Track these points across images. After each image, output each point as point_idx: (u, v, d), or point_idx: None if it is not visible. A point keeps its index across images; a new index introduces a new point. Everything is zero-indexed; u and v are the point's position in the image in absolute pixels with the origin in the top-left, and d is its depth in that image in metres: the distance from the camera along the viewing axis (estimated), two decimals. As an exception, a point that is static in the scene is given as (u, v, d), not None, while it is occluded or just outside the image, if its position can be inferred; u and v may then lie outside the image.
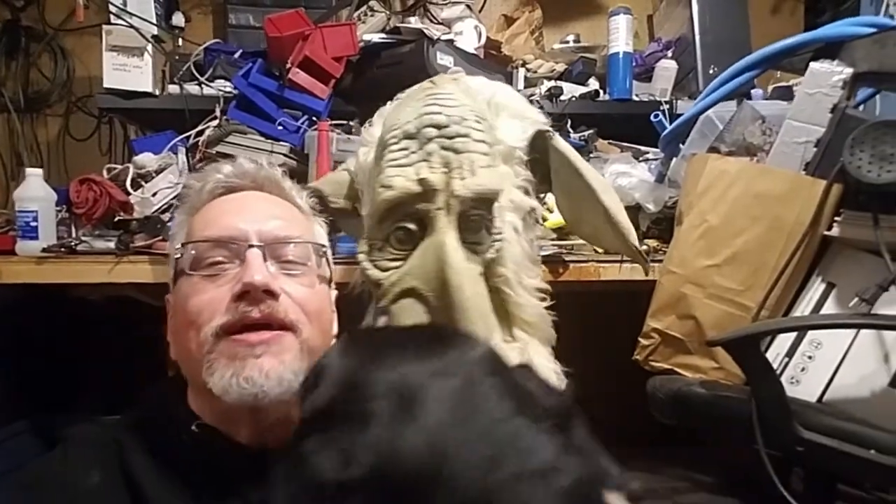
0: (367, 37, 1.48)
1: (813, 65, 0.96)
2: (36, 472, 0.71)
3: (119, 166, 1.42)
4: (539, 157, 0.88)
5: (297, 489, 0.40)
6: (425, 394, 0.40)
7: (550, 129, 0.86)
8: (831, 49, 0.98)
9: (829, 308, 0.98)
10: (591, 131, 1.49)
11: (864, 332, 0.92)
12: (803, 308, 0.99)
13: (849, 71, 0.93)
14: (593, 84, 1.73)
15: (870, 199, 0.89)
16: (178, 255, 0.73)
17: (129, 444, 0.70)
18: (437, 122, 0.79)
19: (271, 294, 0.68)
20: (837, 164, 0.91)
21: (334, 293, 0.83)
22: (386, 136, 0.83)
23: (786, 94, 1.48)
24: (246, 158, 0.83)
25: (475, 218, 0.80)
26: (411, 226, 0.81)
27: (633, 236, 0.86)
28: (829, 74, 0.95)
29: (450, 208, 0.78)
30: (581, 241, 1.30)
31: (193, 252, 0.72)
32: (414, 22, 1.50)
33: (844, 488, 1.05)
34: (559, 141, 0.84)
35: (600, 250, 1.28)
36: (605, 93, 1.69)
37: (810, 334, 0.97)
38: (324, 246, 0.78)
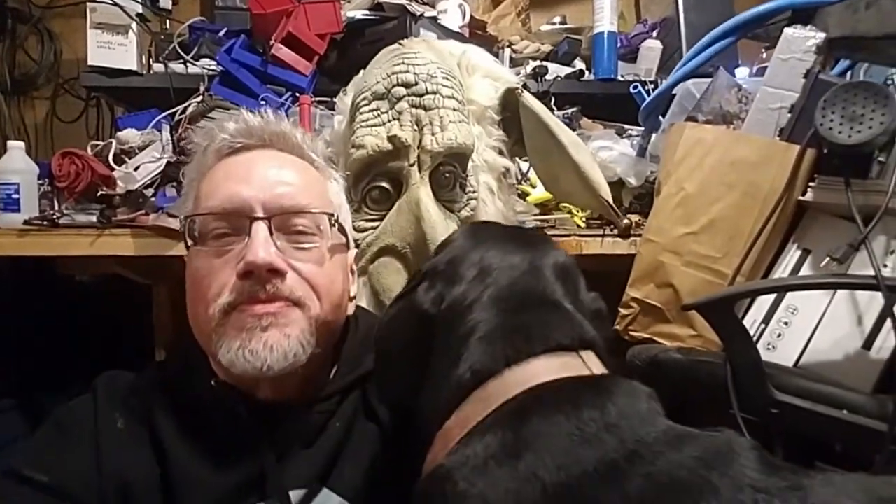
0: (350, 13, 1.48)
1: (787, 30, 0.96)
2: (69, 412, 0.73)
3: (103, 143, 1.42)
4: (511, 117, 0.88)
5: (406, 312, 0.63)
6: (497, 269, 0.62)
7: (520, 86, 0.86)
8: (805, 16, 0.99)
9: (805, 273, 0.98)
10: (574, 109, 1.49)
11: (838, 295, 0.92)
12: (779, 274, 0.99)
13: (822, 36, 0.94)
14: (579, 65, 1.73)
15: (842, 163, 0.89)
16: (184, 227, 0.71)
17: (153, 394, 0.73)
18: (405, 81, 0.80)
19: (277, 272, 0.67)
20: (811, 128, 0.91)
21: (353, 252, 0.81)
22: (357, 99, 0.84)
23: (770, 73, 1.48)
24: (252, 111, 0.77)
25: (448, 175, 0.81)
26: (385, 185, 0.82)
27: (604, 190, 0.86)
28: (802, 40, 0.95)
29: (422, 164, 0.78)
30: (563, 216, 1.31)
31: (198, 224, 0.70)
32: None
33: (822, 465, 1.06)
34: (529, 98, 0.85)
35: (583, 225, 1.29)
36: (590, 73, 1.69)
37: (786, 300, 0.97)
38: (332, 215, 0.74)
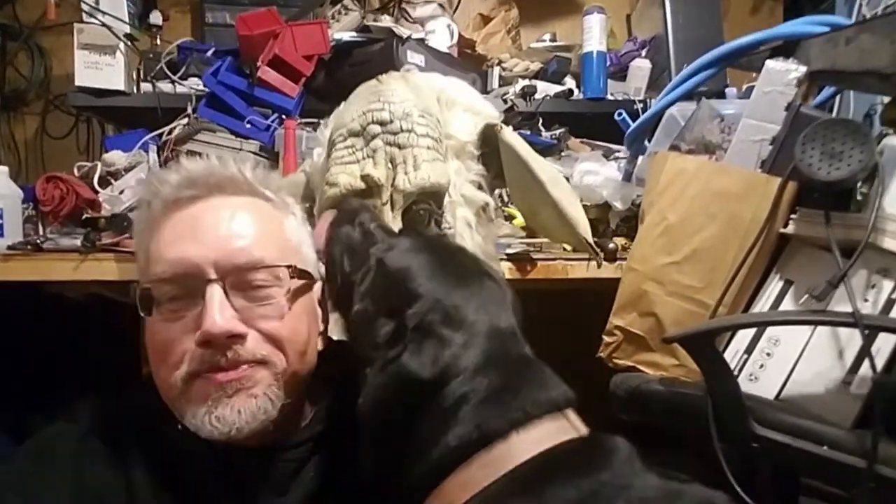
0: (338, 35, 1.48)
1: (768, 63, 0.96)
2: (50, 438, 0.73)
3: (90, 164, 1.42)
4: (491, 152, 0.88)
5: (396, 381, 0.59)
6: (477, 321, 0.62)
7: (499, 122, 0.86)
8: (789, 47, 0.99)
9: (787, 305, 0.98)
10: (562, 129, 1.49)
11: (819, 328, 0.92)
12: (762, 305, 0.99)
13: (803, 69, 0.94)
14: (569, 83, 1.74)
15: (822, 197, 0.89)
16: (135, 296, 0.68)
17: (128, 429, 0.72)
18: (381, 119, 0.80)
19: (237, 337, 0.64)
20: (792, 162, 0.91)
21: (319, 285, 0.77)
22: (333, 135, 0.84)
23: (759, 93, 1.48)
24: (197, 159, 0.75)
25: (422, 212, 0.80)
26: None
27: (581, 227, 0.87)
28: (784, 73, 0.95)
29: (394, 203, 0.79)
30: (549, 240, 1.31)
31: (150, 292, 0.67)
32: (386, 21, 1.50)
33: (806, 500, 1.06)
34: (508, 134, 0.85)
35: (569, 248, 1.29)
36: (579, 91, 1.70)
37: (769, 331, 0.97)
38: (290, 267, 0.70)
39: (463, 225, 0.88)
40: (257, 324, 0.66)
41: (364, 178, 0.78)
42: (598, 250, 0.89)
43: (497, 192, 1.04)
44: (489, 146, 0.89)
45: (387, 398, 0.61)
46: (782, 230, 0.96)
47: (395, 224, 0.79)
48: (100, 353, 1.64)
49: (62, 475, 0.68)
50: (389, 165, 0.80)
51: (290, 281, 0.70)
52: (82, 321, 1.66)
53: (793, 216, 0.95)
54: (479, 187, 0.89)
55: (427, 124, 0.81)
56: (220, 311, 0.63)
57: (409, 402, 0.60)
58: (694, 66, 1.02)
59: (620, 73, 1.74)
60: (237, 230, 0.69)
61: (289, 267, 0.70)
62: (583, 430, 0.60)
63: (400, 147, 0.80)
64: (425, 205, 0.81)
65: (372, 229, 0.71)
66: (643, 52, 1.74)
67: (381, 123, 0.80)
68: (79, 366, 1.62)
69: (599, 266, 0.99)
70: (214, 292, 0.64)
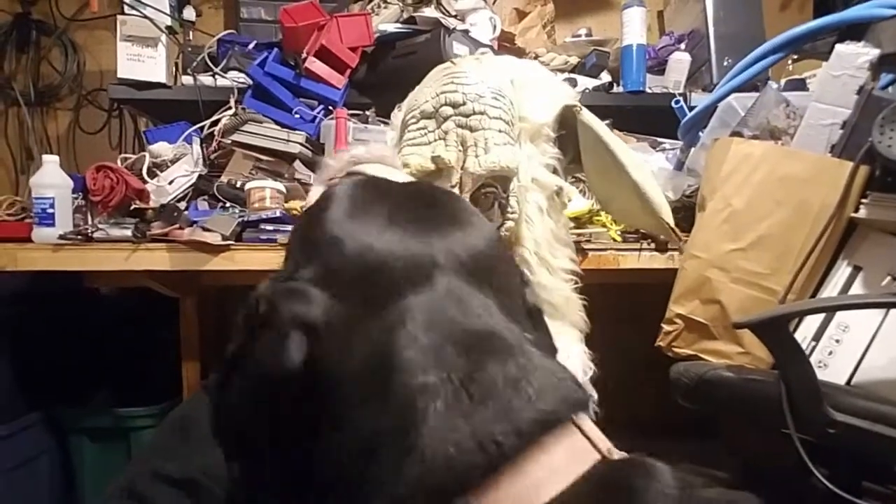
0: (382, 27, 1.47)
1: (838, 47, 0.95)
2: (192, 412, 0.70)
3: (134, 156, 1.41)
4: (568, 134, 0.87)
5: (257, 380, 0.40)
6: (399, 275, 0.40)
7: (578, 104, 0.85)
8: (855, 32, 0.98)
9: (856, 291, 0.97)
10: (606, 122, 1.48)
11: (892, 313, 0.91)
12: (829, 291, 0.98)
13: (875, 52, 0.93)
14: (605, 77, 1.73)
15: (897, 180, 0.88)
16: None
17: None
18: (453, 101, 0.79)
19: None
20: (864, 145, 0.90)
21: None
22: (406, 117, 0.84)
23: (799, 86, 1.48)
24: None
25: (487, 195, 0.80)
26: None
27: (664, 211, 0.85)
28: (854, 56, 0.95)
29: (463, 186, 0.78)
30: (599, 230, 1.30)
31: None
32: (428, 13, 1.50)
33: (869, 485, 1.04)
34: (587, 115, 0.84)
35: (619, 239, 1.28)
36: (617, 85, 1.69)
37: (837, 317, 0.96)
38: None
39: (534, 209, 0.87)
40: None
41: (434, 159, 0.78)
42: (679, 235, 0.88)
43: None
44: (566, 129, 0.88)
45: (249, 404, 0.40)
46: (853, 215, 0.95)
47: None
48: (137, 346, 1.63)
49: (207, 449, 0.67)
50: (460, 147, 0.79)
51: None
52: (120, 315, 1.65)
53: (863, 201, 0.95)
54: (554, 171, 0.88)
55: (500, 107, 0.80)
56: None
57: (285, 409, 0.38)
58: (760, 50, 1.01)
59: (658, 67, 1.74)
60: None
61: None
62: (603, 443, 0.38)
63: (472, 129, 0.79)
64: (492, 188, 0.81)
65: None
66: (682, 46, 1.73)
67: (454, 105, 0.80)
68: (116, 360, 1.61)
69: (681, 252, 0.98)
70: None
